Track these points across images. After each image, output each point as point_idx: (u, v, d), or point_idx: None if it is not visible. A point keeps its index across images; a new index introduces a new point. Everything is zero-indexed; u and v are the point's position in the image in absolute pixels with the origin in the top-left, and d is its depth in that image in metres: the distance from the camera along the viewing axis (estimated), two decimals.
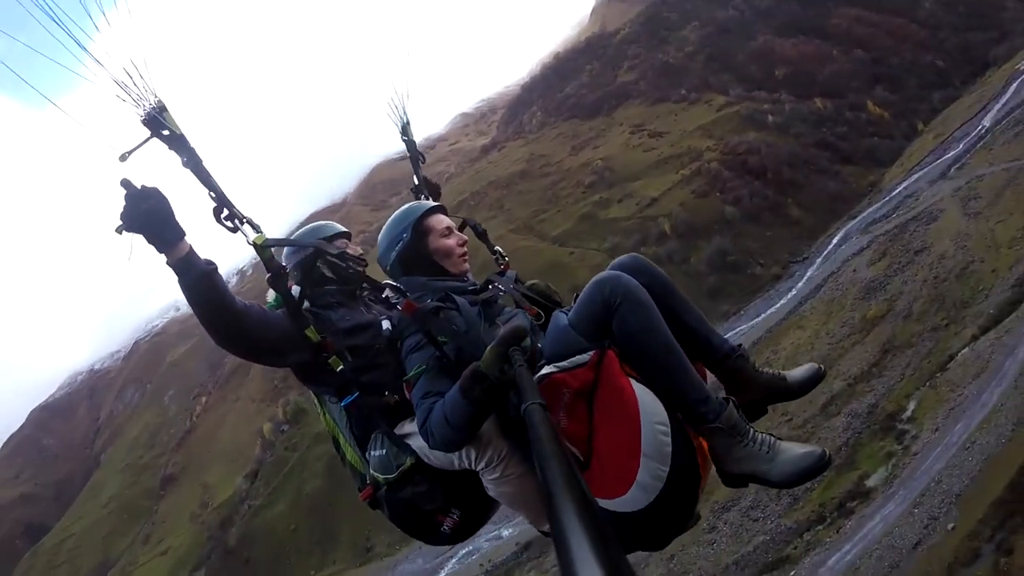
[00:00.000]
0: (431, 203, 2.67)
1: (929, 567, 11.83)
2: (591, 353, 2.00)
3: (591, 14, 77.35)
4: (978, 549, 11.38)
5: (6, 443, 72.02)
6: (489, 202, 45.25)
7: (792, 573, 14.12)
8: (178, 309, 68.04)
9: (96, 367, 79.95)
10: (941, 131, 33.56)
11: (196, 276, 2.05)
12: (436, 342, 2.15)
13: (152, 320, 74.28)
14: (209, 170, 2.04)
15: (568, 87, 56.83)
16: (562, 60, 64.34)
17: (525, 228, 39.61)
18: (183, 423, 51.54)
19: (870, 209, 29.80)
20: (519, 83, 75.61)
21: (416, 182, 3.19)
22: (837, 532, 14.49)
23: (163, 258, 2.03)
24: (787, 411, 19.92)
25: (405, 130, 3.23)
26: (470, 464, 2.16)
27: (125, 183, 1.95)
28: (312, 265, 2.57)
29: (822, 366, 2.32)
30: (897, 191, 29.83)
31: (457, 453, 2.14)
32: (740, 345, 2.26)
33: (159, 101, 1.93)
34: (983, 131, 29.44)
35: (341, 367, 2.37)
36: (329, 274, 2.60)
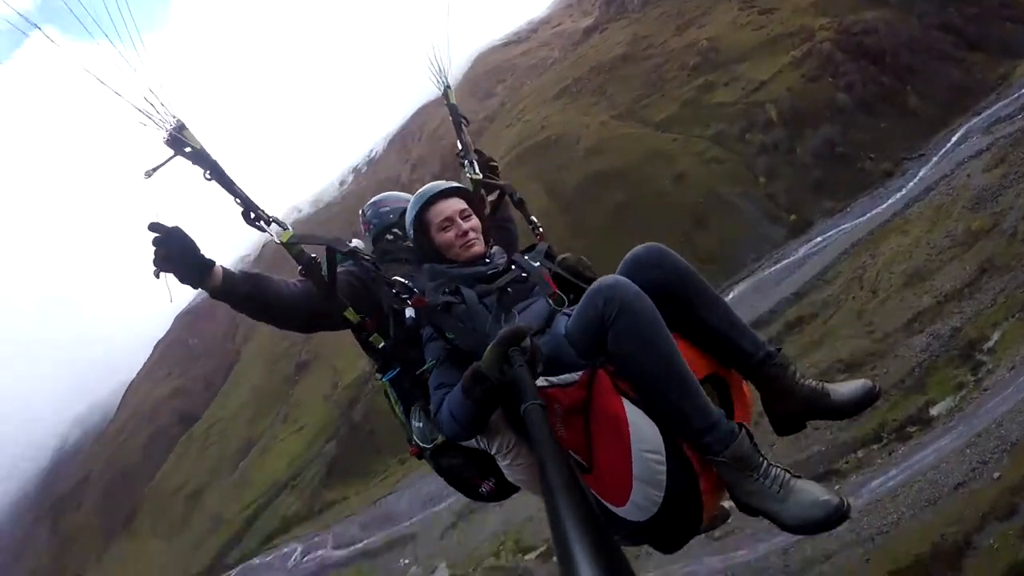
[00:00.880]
0: (437, 188, 2.53)
1: (964, 511, 11.66)
2: (581, 373, 1.91)
3: None
4: (1016, 505, 11.02)
5: (156, 347, 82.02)
6: (591, 88, 43.52)
7: (837, 486, 15.05)
8: (300, 211, 73.42)
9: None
10: None
11: (238, 299, 2.16)
12: (445, 337, 2.17)
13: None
14: (232, 178, 2.08)
15: None
16: None
17: (627, 114, 38.14)
18: None
19: (997, 105, 25.67)
20: None
21: (460, 147, 3.02)
22: (889, 455, 14.76)
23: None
24: (871, 321, 19.65)
25: (447, 94, 3.11)
26: (486, 449, 2.20)
27: (153, 226, 1.96)
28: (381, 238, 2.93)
29: (878, 386, 2.04)
30: None
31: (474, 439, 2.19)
32: (779, 349, 2.03)
33: (179, 121, 1.98)
34: None
35: (382, 344, 2.44)
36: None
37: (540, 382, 1.93)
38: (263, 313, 2.31)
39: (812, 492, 1.79)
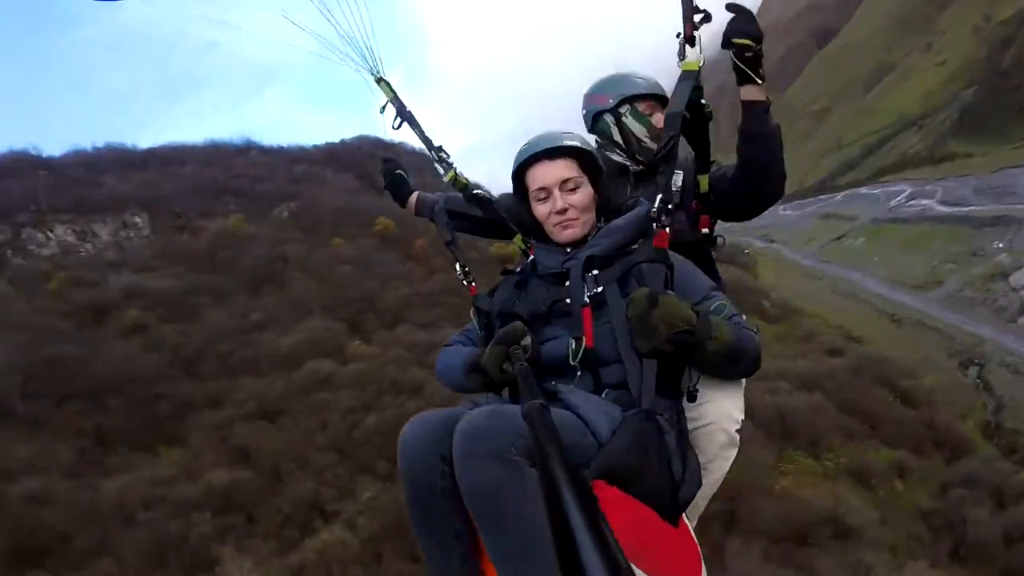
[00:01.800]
0: (539, 147, 1.86)
1: None
2: None
3: None
4: None
5: None
6: None
7: None
8: None
9: None
10: None
11: (428, 215, 2.47)
12: (490, 315, 1.96)
13: None
14: (420, 123, 2.33)
15: None
16: None
17: None
18: None
19: None
20: None
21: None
22: None
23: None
24: None
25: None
26: None
27: (383, 161, 2.54)
28: None
29: None
30: None
31: None
32: None
33: (383, 74, 2.31)
34: None
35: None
36: None
37: None
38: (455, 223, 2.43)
39: None
